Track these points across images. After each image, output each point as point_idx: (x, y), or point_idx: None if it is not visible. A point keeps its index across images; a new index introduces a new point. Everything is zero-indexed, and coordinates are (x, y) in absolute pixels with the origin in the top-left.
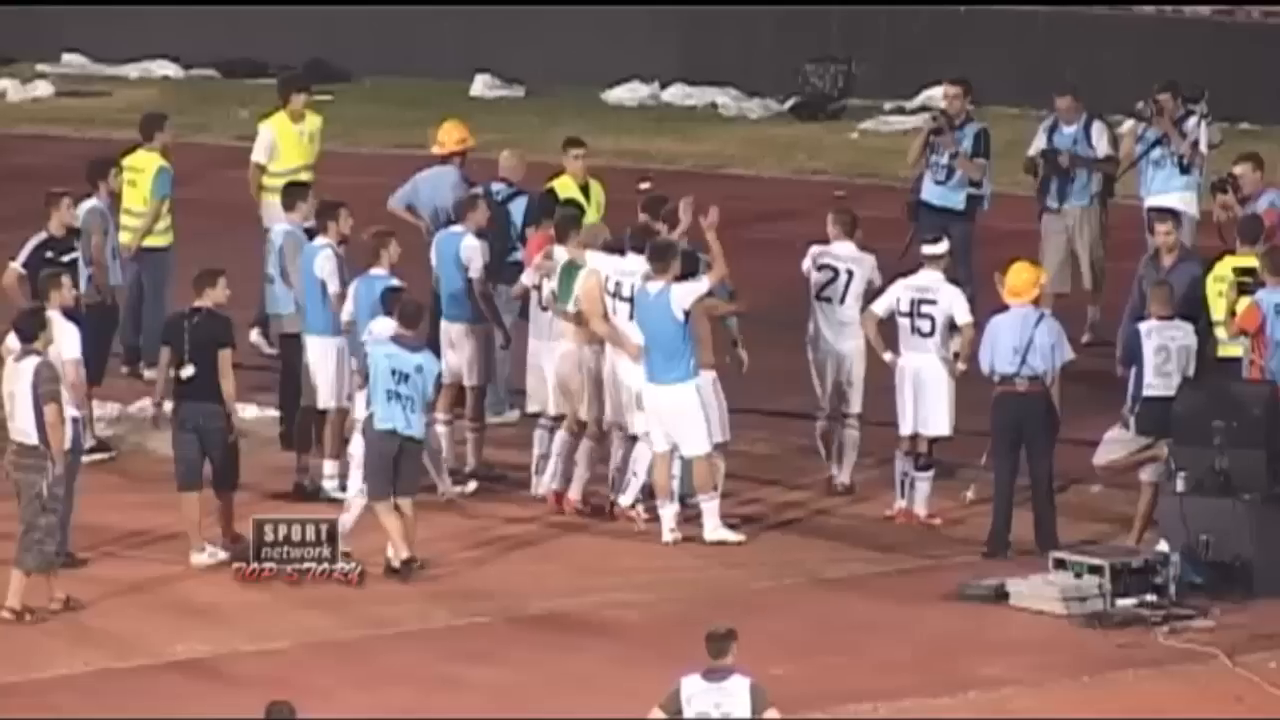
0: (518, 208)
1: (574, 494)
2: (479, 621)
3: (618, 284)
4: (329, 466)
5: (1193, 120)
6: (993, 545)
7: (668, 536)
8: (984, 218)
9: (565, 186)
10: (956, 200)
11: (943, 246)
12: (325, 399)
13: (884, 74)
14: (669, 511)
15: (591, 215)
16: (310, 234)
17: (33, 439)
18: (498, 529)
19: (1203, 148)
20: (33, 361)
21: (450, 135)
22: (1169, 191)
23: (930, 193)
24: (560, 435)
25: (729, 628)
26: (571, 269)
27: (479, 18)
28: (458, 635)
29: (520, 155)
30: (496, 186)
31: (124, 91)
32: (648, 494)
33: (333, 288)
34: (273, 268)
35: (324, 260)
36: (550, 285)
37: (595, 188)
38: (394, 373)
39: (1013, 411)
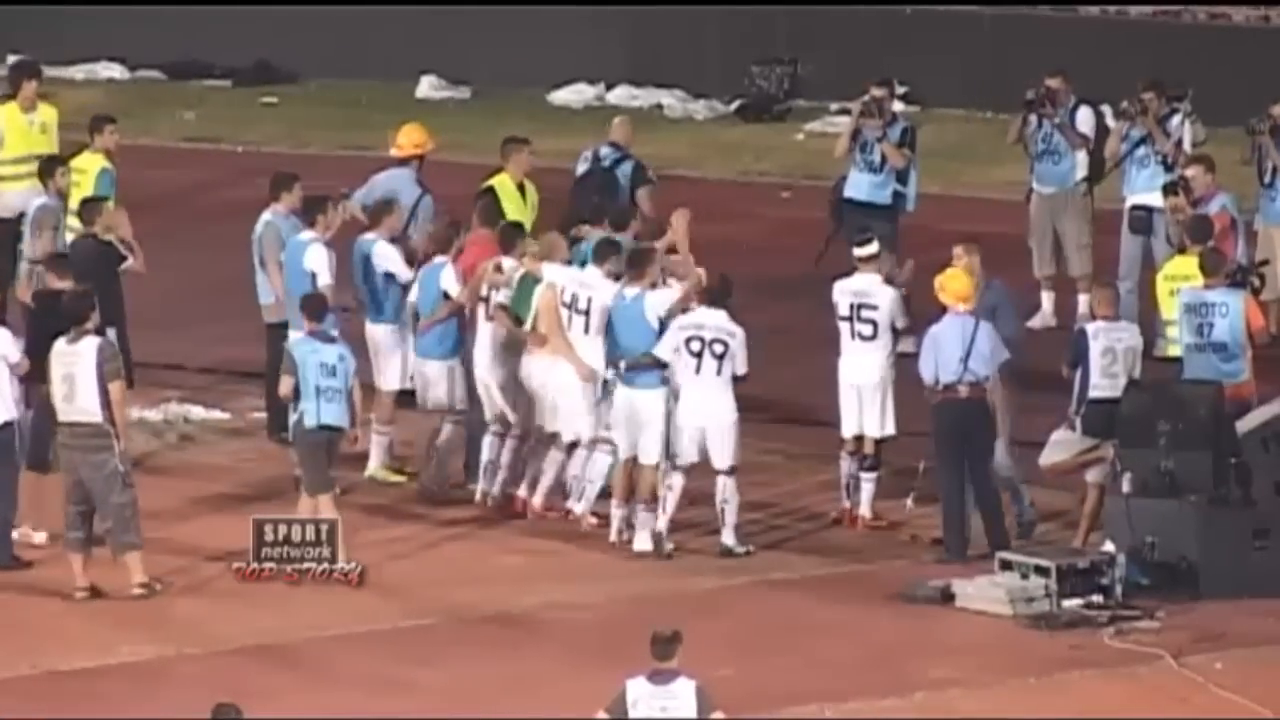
0: (624, 171)
1: (538, 500)
2: (426, 623)
3: (574, 295)
4: None
5: (1177, 118)
6: (952, 551)
7: (614, 538)
8: (917, 217)
9: (503, 185)
10: (884, 195)
11: (872, 248)
12: None
13: (830, 75)
14: (619, 514)
15: (525, 214)
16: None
17: (98, 417)
18: (444, 531)
19: (1186, 146)
20: (93, 341)
21: (410, 138)
22: (1154, 190)
23: (857, 186)
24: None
25: (675, 630)
26: (528, 281)
27: (425, 19)
28: (405, 637)
29: (630, 123)
30: (605, 150)
31: (69, 93)
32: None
33: (324, 280)
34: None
35: (314, 254)
36: (499, 297)
37: (530, 188)
38: (322, 366)
39: (955, 418)
